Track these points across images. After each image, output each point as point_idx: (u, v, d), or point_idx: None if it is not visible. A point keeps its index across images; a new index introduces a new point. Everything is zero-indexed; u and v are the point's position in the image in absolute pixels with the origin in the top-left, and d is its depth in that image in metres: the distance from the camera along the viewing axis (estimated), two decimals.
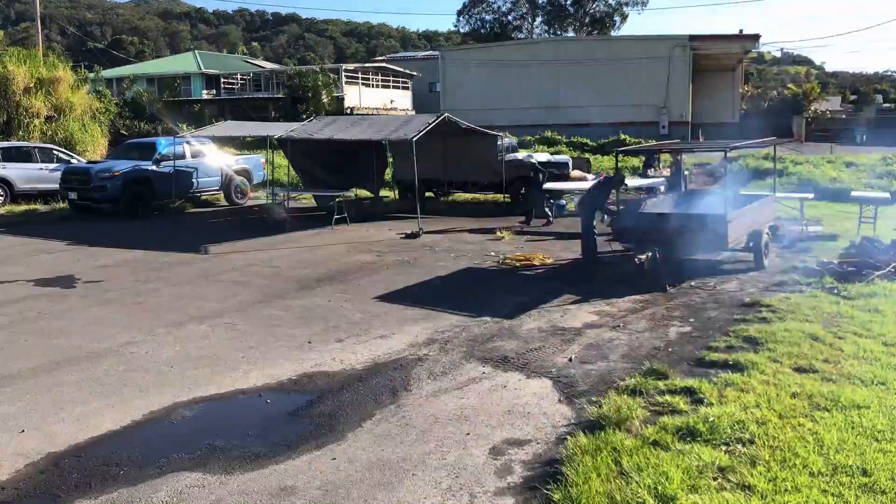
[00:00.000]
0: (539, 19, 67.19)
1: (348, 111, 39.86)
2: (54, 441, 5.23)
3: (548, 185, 16.24)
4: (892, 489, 4.17)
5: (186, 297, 9.60)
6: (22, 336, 7.87)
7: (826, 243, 12.34)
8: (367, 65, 50.26)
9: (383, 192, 20.60)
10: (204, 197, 20.24)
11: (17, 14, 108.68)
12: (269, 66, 57.63)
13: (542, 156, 21.00)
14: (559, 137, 31.00)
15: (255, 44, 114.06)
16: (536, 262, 11.59)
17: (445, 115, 16.10)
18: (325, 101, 36.58)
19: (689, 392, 5.76)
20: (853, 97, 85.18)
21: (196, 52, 57.86)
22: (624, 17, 64.64)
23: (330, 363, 6.87)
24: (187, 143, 18.97)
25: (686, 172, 19.35)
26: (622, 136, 30.46)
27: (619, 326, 7.91)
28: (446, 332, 7.80)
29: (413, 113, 41.89)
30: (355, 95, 43.48)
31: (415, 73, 49.48)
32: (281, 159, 21.97)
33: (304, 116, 30.36)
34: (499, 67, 38.57)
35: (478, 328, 7.95)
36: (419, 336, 7.69)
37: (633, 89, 36.28)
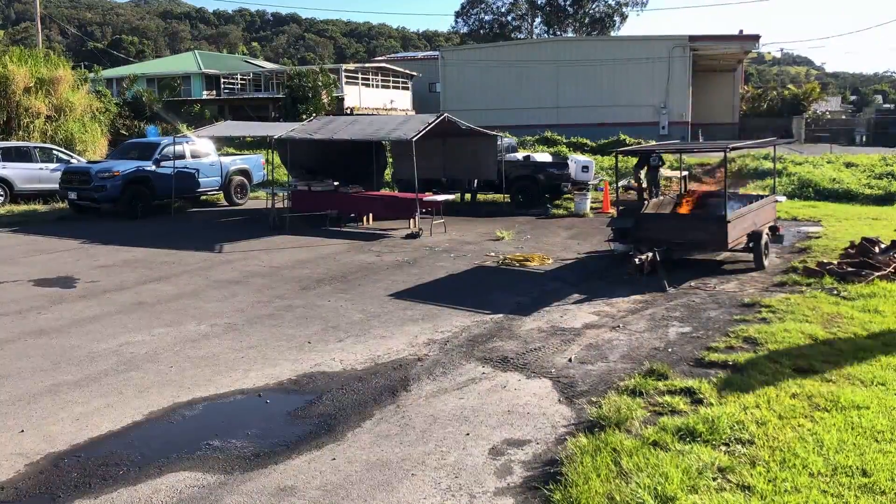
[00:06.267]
0: (538, 19, 67.21)
1: (348, 111, 39.83)
2: (54, 441, 5.23)
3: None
4: (892, 489, 4.17)
5: (186, 297, 9.60)
6: (22, 336, 7.87)
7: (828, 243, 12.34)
8: (367, 65, 50.21)
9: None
10: (204, 197, 20.25)
11: (17, 14, 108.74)
12: (269, 66, 57.61)
13: (541, 155, 21.02)
14: (559, 137, 30.95)
15: (255, 44, 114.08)
16: (536, 262, 11.59)
17: (445, 115, 16.08)
18: (325, 101, 36.53)
19: (688, 392, 5.76)
20: (853, 98, 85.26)
21: (196, 52, 57.86)
22: (623, 18, 64.70)
23: (330, 363, 6.87)
24: (187, 142, 18.98)
25: (685, 174, 19.34)
26: (622, 136, 30.42)
27: (618, 327, 7.90)
28: (446, 333, 7.80)
29: (413, 113, 41.87)
30: (355, 95, 43.46)
31: (415, 74, 49.45)
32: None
33: (304, 116, 30.35)
34: (499, 67, 38.57)
35: (477, 328, 7.95)
36: (419, 336, 7.69)
37: (633, 89, 36.26)
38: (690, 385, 5.87)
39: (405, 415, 5.62)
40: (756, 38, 36.74)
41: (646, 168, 17.66)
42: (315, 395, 6.08)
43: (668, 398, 5.64)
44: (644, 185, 17.90)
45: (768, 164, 21.71)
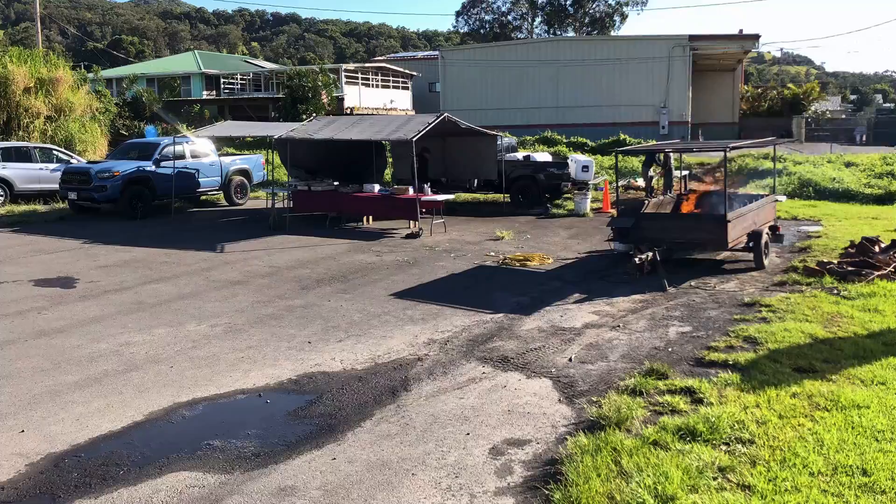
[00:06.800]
0: (539, 19, 67.25)
1: (348, 111, 39.82)
2: (54, 441, 5.23)
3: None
4: (892, 489, 4.17)
5: (186, 297, 9.60)
6: (22, 336, 7.87)
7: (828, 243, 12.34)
8: (366, 65, 50.17)
9: None
10: (204, 197, 20.25)
11: (17, 14, 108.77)
12: (269, 66, 57.59)
13: (541, 155, 21.02)
14: (559, 137, 30.95)
15: (254, 44, 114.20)
16: (536, 262, 11.59)
17: (445, 115, 16.08)
18: (325, 101, 36.51)
19: (689, 392, 5.76)
20: (853, 97, 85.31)
21: (196, 52, 57.85)
22: (624, 17, 64.73)
23: (330, 363, 6.87)
24: (187, 142, 18.99)
25: (685, 173, 19.35)
26: (622, 136, 30.44)
27: (619, 326, 7.90)
28: (446, 332, 7.80)
29: (413, 113, 41.85)
30: (355, 95, 43.45)
31: (415, 73, 49.43)
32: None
33: (304, 116, 30.35)
34: (499, 68, 38.57)
35: (478, 328, 7.95)
36: (419, 336, 7.69)
37: (633, 89, 36.27)
38: (691, 384, 5.87)
39: (405, 414, 5.62)
40: (756, 37, 36.72)
41: (652, 166, 17.69)
42: (315, 395, 6.08)
43: (668, 398, 5.64)
44: (652, 182, 17.90)
45: (768, 164, 21.71)
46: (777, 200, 13.89)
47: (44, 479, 4.70)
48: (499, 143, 18.01)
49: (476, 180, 18.93)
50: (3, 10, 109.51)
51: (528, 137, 30.36)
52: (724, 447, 4.75)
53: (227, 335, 7.84)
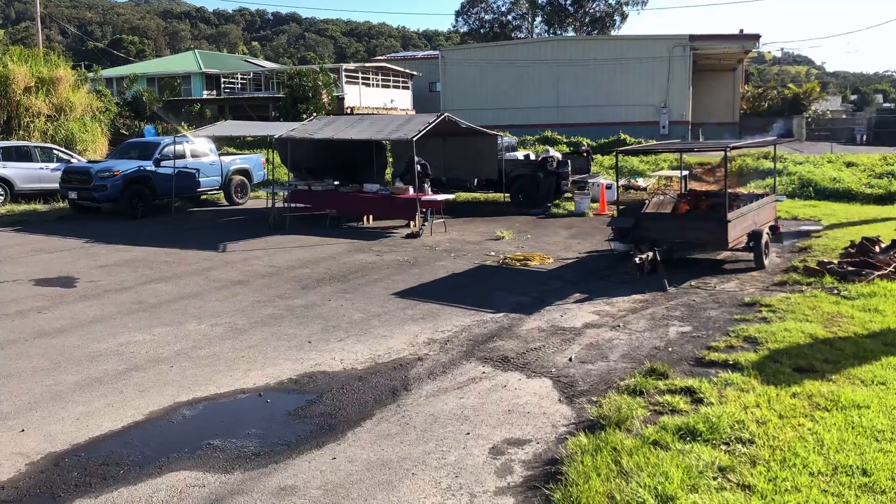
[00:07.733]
0: (539, 19, 67.26)
1: (348, 111, 39.81)
2: (54, 441, 5.23)
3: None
4: (892, 489, 4.18)
5: (186, 297, 9.60)
6: (22, 336, 7.87)
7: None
8: (367, 64, 50.13)
9: None
10: (204, 197, 20.25)
11: (17, 13, 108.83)
12: (269, 65, 57.59)
13: (554, 153, 20.99)
14: (559, 137, 30.96)
15: (255, 43, 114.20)
16: (536, 262, 11.59)
17: (445, 114, 16.07)
18: (325, 100, 36.48)
19: (689, 392, 5.76)
20: (853, 97, 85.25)
21: (196, 51, 57.86)
22: (624, 17, 64.73)
23: (330, 363, 6.87)
24: (187, 142, 18.98)
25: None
26: (622, 136, 30.43)
27: (619, 326, 7.90)
28: (446, 332, 7.80)
29: (413, 113, 41.83)
30: (355, 95, 43.43)
31: (415, 73, 49.41)
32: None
33: (305, 116, 30.33)
34: (499, 67, 38.58)
35: (478, 328, 7.96)
36: (419, 336, 7.69)
37: (633, 89, 36.28)
38: (691, 384, 5.87)
39: (405, 414, 5.62)
40: (756, 37, 36.72)
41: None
42: (315, 395, 6.08)
43: (668, 397, 5.65)
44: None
45: (768, 164, 21.71)
46: (777, 200, 13.88)
47: (44, 478, 4.70)
48: (499, 142, 18.00)
49: (476, 180, 18.92)
50: (3, 10, 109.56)
51: (529, 137, 30.37)
52: (724, 447, 4.75)
53: (228, 335, 7.84)
